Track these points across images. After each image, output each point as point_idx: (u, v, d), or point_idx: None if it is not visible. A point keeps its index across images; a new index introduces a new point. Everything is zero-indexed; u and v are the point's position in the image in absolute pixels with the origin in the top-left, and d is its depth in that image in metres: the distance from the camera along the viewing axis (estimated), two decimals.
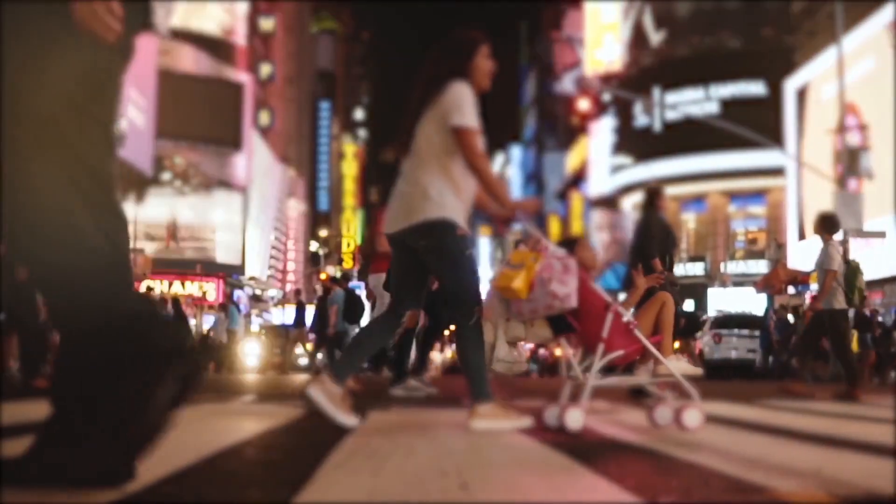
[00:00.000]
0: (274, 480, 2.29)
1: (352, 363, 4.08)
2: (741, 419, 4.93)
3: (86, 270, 2.00)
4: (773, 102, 43.44)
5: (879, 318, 20.44)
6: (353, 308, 16.01)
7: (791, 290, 23.19)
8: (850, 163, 24.59)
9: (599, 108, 56.26)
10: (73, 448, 1.99)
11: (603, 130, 56.67)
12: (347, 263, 70.80)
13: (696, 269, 46.54)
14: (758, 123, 30.54)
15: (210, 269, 45.95)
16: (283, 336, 21.43)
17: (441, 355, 33.15)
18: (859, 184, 27.12)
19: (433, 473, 2.46)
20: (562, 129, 72.10)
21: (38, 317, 7.87)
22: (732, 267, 45.32)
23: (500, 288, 3.90)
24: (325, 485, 2.22)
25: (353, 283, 16.28)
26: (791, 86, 41.22)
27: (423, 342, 8.69)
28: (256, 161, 55.04)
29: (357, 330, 16.16)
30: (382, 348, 7.42)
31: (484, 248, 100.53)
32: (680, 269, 40.44)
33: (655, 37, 52.57)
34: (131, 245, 9.02)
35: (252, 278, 53.31)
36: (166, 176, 45.27)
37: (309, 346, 19.60)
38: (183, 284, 41.52)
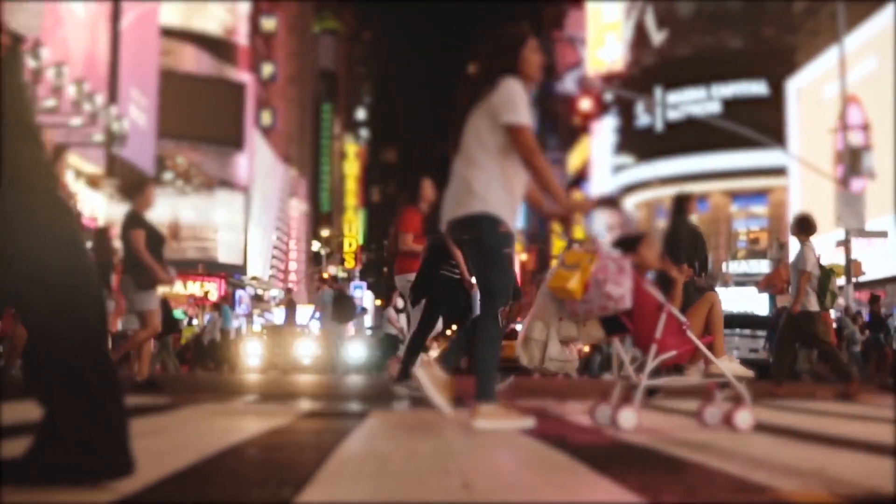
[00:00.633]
0: (276, 480, 2.28)
1: (458, 354, 4.20)
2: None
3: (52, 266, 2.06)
4: (774, 102, 43.40)
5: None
6: (342, 308, 16.11)
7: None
8: (852, 162, 24.57)
9: (601, 108, 56.22)
10: (69, 445, 2.00)
11: (604, 130, 56.64)
12: (349, 263, 70.90)
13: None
14: (759, 123, 30.55)
15: (212, 268, 45.95)
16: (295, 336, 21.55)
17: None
18: (864, 184, 27.05)
19: (435, 473, 2.46)
20: (563, 128, 72.05)
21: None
22: (734, 267, 45.27)
23: (554, 288, 3.92)
24: (328, 485, 2.22)
25: (356, 282, 16.35)
26: (793, 85, 41.19)
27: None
28: (258, 161, 55.05)
29: (342, 329, 16.35)
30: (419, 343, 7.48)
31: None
32: None
33: (657, 36, 52.54)
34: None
35: (254, 278, 53.31)
36: (168, 176, 45.21)
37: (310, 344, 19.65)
38: (185, 284, 41.51)
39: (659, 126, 49.80)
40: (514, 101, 3.89)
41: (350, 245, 73.77)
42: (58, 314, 2.04)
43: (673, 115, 47.41)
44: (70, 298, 2.05)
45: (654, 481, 2.39)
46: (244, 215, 52.08)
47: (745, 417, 3.90)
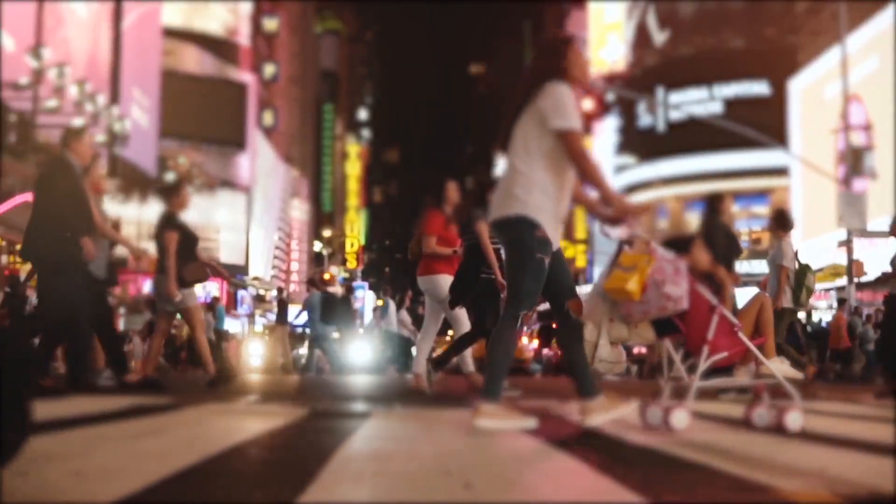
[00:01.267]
0: (278, 480, 2.29)
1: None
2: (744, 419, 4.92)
3: None
4: (776, 102, 43.37)
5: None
6: (330, 310, 16.17)
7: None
8: (853, 162, 24.56)
9: (603, 108, 56.28)
10: None
11: (606, 130, 56.61)
12: (351, 263, 70.82)
13: None
14: (761, 123, 30.50)
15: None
16: (293, 336, 21.53)
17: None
18: (865, 184, 27.04)
19: (437, 473, 2.46)
20: None
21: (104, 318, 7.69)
22: (737, 267, 45.22)
23: (612, 290, 3.92)
24: (329, 485, 2.22)
25: (357, 282, 16.40)
26: (795, 86, 41.16)
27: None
28: (260, 161, 55.07)
29: (328, 331, 16.41)
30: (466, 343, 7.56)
31: None
32: None
33: (659, 36, 52.52)
34: (136, 245, 9.03)
35: (256, 278, 53.32)
36: (170, 176, 45.22)
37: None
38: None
39: (661, 126, 50.10)
40: (563, 106, 3.88)
41: (352, 245, 73.69)
42: None
43: (674, 115, 47.48)
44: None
45: (655, 481, 2.39)
46: (246, 216, 52.09)
47: (795, 419, 3.92)
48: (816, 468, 2.64)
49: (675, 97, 47.63)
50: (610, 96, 53.29)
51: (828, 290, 28.57)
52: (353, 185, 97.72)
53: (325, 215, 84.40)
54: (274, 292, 56.91)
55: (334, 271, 51.51)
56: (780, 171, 42.23)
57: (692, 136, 44.03)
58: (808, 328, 20.56)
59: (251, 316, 47.46)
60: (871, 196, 24.39)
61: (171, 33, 47.31)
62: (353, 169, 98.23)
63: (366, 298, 51.70)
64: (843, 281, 23.80)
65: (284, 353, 19.12)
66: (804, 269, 9.04)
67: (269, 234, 59.23)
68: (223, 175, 50.95)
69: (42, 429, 3.38)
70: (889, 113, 29.54)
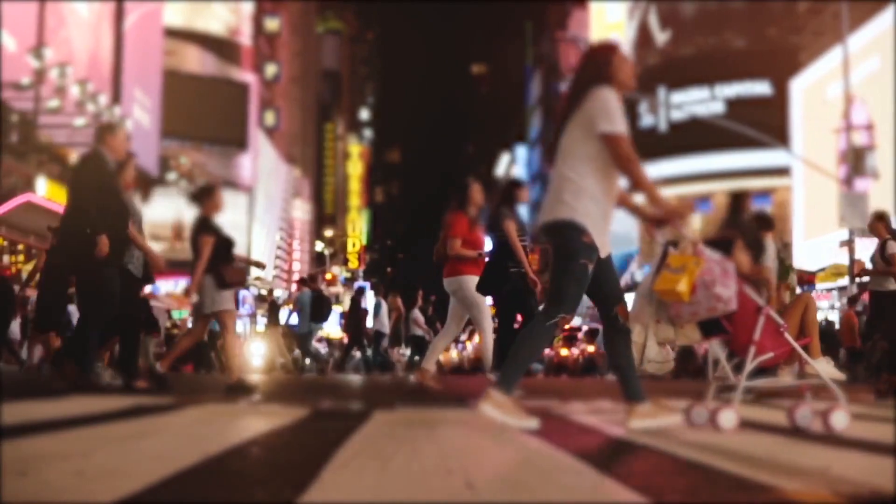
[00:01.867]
0: (279, 480, 2.28)
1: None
2: (746, 418, 4.91)
3: None
4: (778, 102, 43.33)
5: None
6: (319, 309, 16.30)
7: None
8: (855, 162, 24.53)
9: None
10: None
11: None
12: (353, 263, 70.90)
13: None
14: (763, 123, 30.51)
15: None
16: (288, 336, 21.54)
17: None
18: (867, 184, 27.03)
19: (438, 473, 2.46)
20: None
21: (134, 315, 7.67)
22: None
23: (662, 291, 3.93)
24: (330, 485, 2.22)
25: (360, 282, 16.50)
26: (796, 85, 41.13)
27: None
28: (262, 161, 55.11)
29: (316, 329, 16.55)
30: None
31: None
32: None
33: (661, 36, 52.49)
34: (150, 247, 9.03)
35: (257, 278, 53.35)
36: (172, 176, 45.23)
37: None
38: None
39: (662, 126, 50.10)
40: (609, 110, 3.90)
41: (354, 245, 73.76)
42: None
43: (676, 115, 47.45)
44: None
45: (657, 481, 2.38)
46: (248, 216, 52.11)
47: (841, 418, 3.92)
48: (819, 468, 2.63)
49: (677, 97, 47.62)
50: None
51: (830, 290, 28.53)
52: (355, 185, 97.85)
53: (326, 215, 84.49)
54: (277, 292, 57.04)
55: (336, 271, 51.59)
56: (782, 171, 42.19)
57: (694, 136, 44.01)
58: None
59: (253, 316, 47.46)
60: (873, 196, 24.35)
61: (173, 33, 47.36)
62: (355, 169, 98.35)
63: (366, 299, 51.71)
64: (844, 281, 23.77)
65: (282, 354, 19.17)
66: (787, 270, 9.08)
67: (271, 235, 59.27)
68: (225, 175, 50.96)
69: (42, 429, 3.38)
70: (891, 113, 29.51)
